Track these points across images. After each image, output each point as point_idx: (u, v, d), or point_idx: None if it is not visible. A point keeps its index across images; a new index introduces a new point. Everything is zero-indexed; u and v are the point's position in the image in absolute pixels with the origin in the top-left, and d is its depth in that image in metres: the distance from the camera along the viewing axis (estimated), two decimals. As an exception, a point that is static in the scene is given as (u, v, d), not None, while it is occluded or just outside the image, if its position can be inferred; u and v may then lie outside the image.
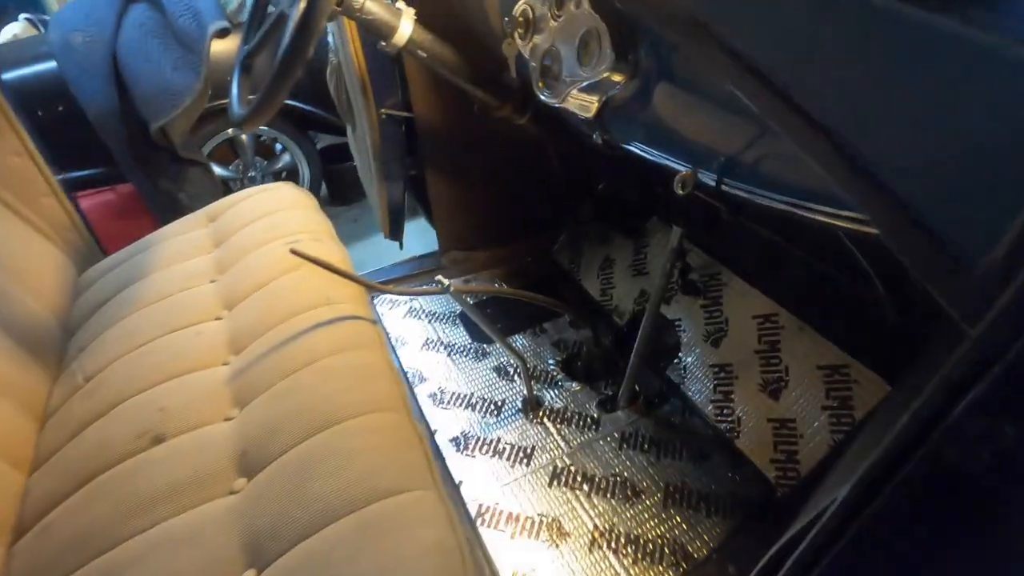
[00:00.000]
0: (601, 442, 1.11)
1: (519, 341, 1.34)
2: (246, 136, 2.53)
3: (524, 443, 1.11)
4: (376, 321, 0.88)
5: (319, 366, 0.76)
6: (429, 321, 1.42)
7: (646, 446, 1.10)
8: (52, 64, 2.09)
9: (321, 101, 2.52)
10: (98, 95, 2.07)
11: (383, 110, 1.43)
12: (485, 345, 1.33)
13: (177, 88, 2.12)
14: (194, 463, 0.68)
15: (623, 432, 1.12)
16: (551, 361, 1.29)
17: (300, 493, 0.63)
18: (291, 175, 2.73)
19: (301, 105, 2.59)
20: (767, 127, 0.50)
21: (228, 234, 1.08)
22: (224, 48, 2.39)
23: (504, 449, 1.10)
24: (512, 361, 1.28)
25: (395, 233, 1.66)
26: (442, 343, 1.35)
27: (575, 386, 1.23)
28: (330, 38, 1.57)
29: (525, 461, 1.08)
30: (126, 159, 2.16)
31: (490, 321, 1.03)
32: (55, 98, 2.09)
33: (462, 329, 1.38)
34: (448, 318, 1.42)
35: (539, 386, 1.23)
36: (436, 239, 1.62)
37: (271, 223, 1.06)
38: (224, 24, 2.12)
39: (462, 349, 1.33)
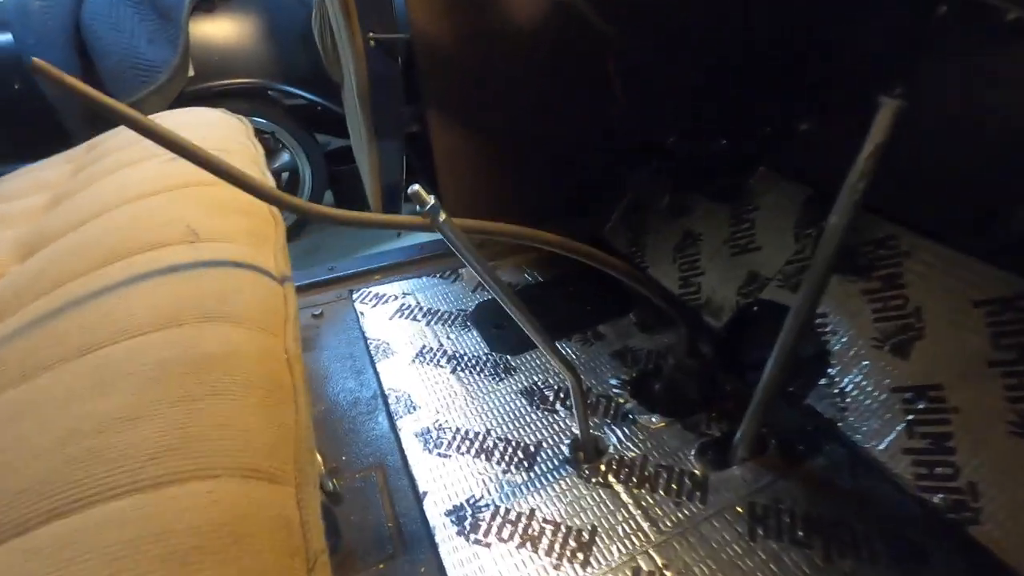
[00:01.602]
0: (715, 523, 0.62)
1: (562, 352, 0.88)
2: (238, 128, 2.19)
3: (577, 522, 0.63)
4: (286, 281, 0.44)
5: (133, 345, 0.32)
6: (428, 322, 0.97)
7: (800, 532, 0.60)
8: (8, 36, 1.81)
9: (329, 93, 2.20)
10: (56, 67, 1.76)
11: (371, 35, 1.04)
12: (509, 357, 0.87)
13: (151, 62, 1.81)
14: None
15: (752, 506, 0.64)
16: (614, 381, 0.82)
17: None
18: (292, 176, 2.40)
19: (305, 94, 2.28)
20: None
21: (95, 161, 0.67)
22: (215, 29, 2.10)
23: (543, 532, 0.63)
24: (553, 380, 0.82)
25: (390, 212, 1.25)
26: (445, 353, 0.89)
27: (655, 421, 0.75)
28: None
29: (580, 556, 0.60)
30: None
31: (523, 315, 0.59)
32: (10, 74, 1.80)
33: (474, 334, 0.93)
34: (454, 318, 0.97)
35: (598, 421, 0.76)
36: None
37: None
38: (208, -12, 1.82)
39: (474, 362, 0.87)
